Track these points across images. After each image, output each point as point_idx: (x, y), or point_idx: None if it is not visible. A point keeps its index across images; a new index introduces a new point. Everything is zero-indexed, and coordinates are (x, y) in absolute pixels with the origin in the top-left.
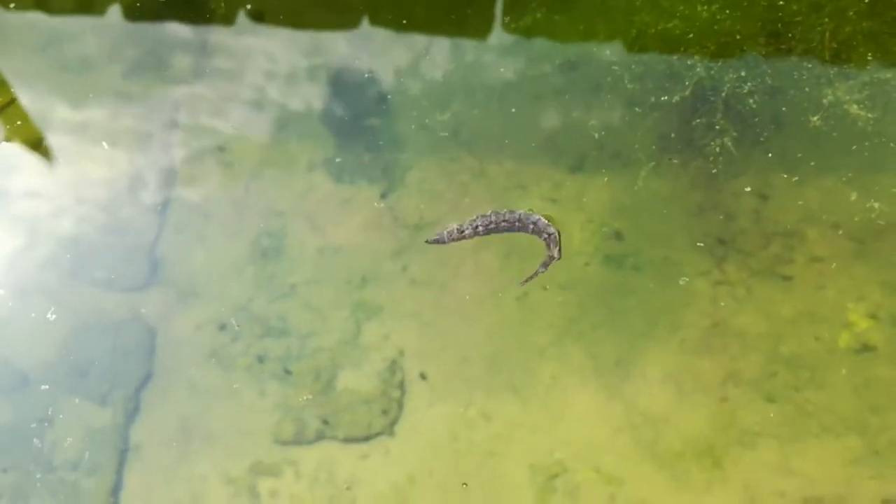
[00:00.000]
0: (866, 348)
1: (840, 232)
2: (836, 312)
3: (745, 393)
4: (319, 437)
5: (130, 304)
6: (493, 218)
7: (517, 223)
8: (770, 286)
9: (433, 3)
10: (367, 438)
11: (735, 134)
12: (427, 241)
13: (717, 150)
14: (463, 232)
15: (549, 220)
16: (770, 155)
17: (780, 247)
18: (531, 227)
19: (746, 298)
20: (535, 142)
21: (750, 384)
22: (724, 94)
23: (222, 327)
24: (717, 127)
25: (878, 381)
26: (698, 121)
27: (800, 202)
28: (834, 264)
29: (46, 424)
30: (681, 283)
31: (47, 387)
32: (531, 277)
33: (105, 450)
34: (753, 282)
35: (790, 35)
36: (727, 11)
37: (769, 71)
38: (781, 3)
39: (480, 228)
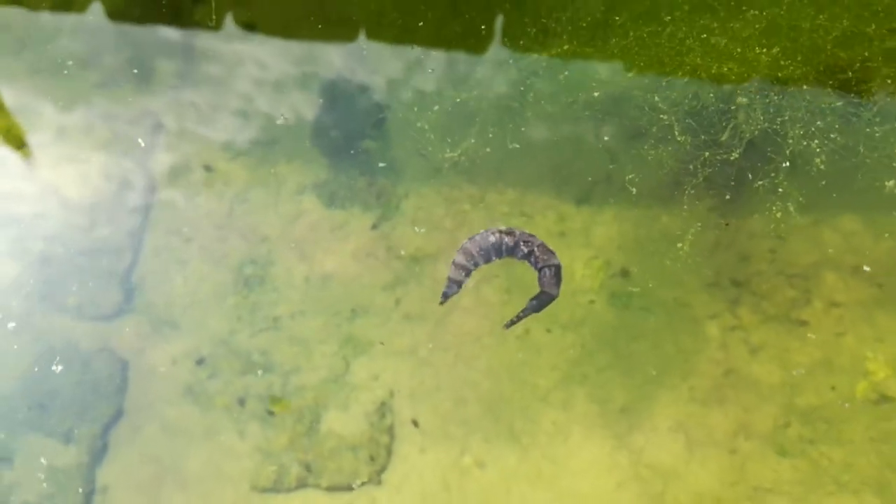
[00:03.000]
0: (885, 399)
1: (859, 276)
2: (853, 361)
3: (756, 446)
4: (301, 484)
5: (101, 334)
6: (486, 242)
7: (514, 250)
8: (785, 332)
9: (441, 20)
10: (351, 487)
11: (801, 200)
12: (441, 303)
13: (779, 215)
14: (469, 271)
15: (551, 250)
16: (845, 226)
17: (796, 290)
18: (529, 256)
19: (759, 344)
20: (545, 178)
21: (762, 437)
22: (788, 152)
23: (200, 362)
24: (780, 190)
25: None
26: (760, 183)
27: (817, 244)
28: (851, 310)
29: (4, 463)
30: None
31: (6, 422)
32: (517, 320)
33: (68, 492)
34: (768, 327)
35: (860, 85)
36: (788, 56)
37: (837, 126)
38: (848, 49)
39: (481, 260)
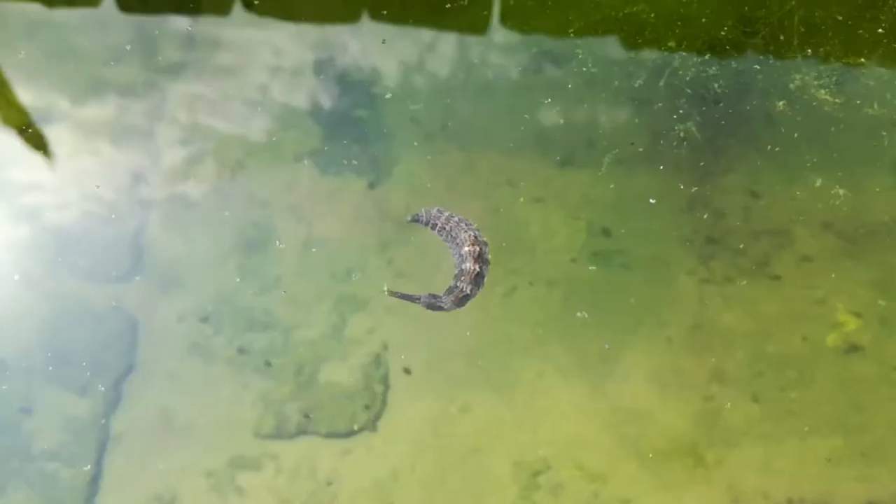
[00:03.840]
0: (854, 348)
1: (830, 231)
2: (824, 312)
3: (730, 392)
4: (301, 431)
5: (113, 294)
6: (443, 222)
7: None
8: (758, 285)
9: None
10: (349, 434)
11: (699, 118)
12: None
13: (682, 135)
14: (431, 227)
15: (478, 251)
16: (734, 140)
17: (768, 245)
18: (455, 251)
19: (733, 297)
20: (530, 143)
21: (735, 383)
22: (688, 79)
23: (205, 319)
24: (681, 111)
25: (864, 381)
26: (659, 105)
27: (790, 200)
28: (823, 263)
29: (25, 413)
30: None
31: (26, 375)
32: (403, 296)
33: (84, 440)
34: (741, 280)
35: (758, 19)
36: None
37: (735, 54)
38: None
39: (445, 237)
